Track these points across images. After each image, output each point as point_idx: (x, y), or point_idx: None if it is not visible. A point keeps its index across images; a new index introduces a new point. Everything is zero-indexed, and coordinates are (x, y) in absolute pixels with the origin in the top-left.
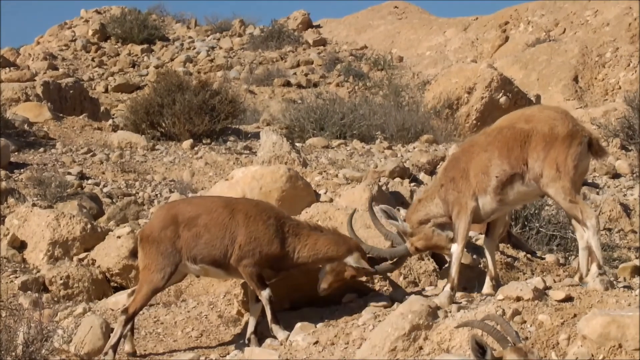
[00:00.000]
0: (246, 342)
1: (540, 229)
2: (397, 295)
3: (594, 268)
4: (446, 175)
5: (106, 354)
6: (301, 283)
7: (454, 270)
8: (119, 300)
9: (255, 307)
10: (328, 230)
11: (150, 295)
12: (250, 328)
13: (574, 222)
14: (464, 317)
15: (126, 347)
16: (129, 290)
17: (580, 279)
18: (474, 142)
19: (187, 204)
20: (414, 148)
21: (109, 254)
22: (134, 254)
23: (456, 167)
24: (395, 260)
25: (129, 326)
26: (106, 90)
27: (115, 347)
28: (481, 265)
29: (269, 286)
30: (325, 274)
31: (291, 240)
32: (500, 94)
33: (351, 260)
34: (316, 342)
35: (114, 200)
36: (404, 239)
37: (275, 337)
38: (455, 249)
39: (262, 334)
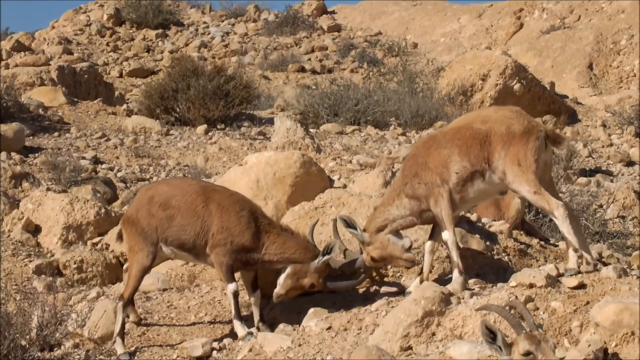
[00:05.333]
0: (255, 331)
1: None
2: (410, 282)
3: (570, 253)
4: (407, 174)
5: (114, 342)
6: None
7: (454, 255)
8: None
9: (255, 295)
10: (298, 235)
11: (140, 275)
12: (256, 317)
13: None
14: (476, 304)
15: (131, 317)
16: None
17: (594, 267)
18: (430, 138)
19: (165, 185)
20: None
21: None
22: (120, 236)
23: (415, 163)
24: (357, 277)
25: (127, 310)
26: (120, 75)
27: (121, 334)
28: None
29: (236, 281)
30: (285, 278)
31: (261, 236)
32: (515, 81)
33: (314, 266)
34: (329, 328)
35: (128, 184)
36: (362, 250)
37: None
38: (447, 235)
39: (274, 319)
